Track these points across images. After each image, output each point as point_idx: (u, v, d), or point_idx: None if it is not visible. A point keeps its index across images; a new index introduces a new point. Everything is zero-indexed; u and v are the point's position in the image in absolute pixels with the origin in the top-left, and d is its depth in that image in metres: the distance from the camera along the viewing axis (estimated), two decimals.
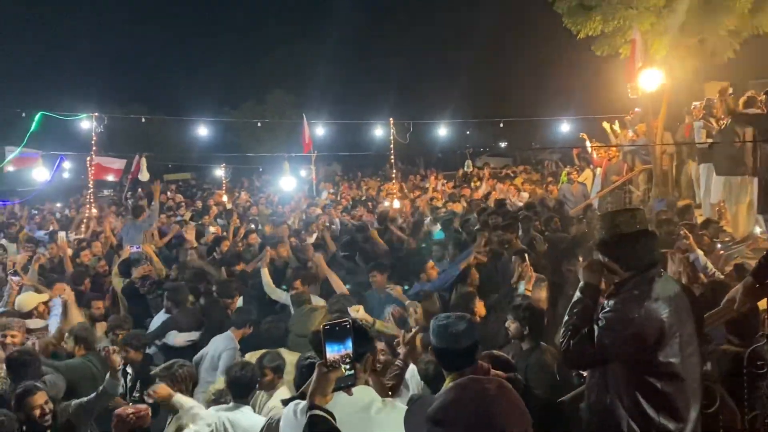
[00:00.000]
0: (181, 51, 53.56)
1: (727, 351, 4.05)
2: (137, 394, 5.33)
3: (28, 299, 6.63)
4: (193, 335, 6.53)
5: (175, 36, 54.65)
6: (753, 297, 3.63)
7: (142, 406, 4.20)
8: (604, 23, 11.41)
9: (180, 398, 4.28)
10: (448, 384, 2.77)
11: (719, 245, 6.92)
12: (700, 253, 6.27)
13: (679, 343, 2.93)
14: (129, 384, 5.56)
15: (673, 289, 3.06)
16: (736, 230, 9.25)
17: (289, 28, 48.93)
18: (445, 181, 20.19)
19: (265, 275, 7.42)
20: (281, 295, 7.24)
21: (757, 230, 8.68)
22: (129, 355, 5.57)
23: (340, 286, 6.86)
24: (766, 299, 3.83)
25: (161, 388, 4.29)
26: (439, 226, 10.45)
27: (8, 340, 5.47)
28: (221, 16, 56.19)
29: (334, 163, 32.42)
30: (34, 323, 6.31)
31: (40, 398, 4.22)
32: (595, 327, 3.00)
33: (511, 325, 4.80)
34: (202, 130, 21.07)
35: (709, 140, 10.12)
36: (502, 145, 36.11)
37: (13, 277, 7.24)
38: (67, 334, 5.66)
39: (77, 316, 6.24)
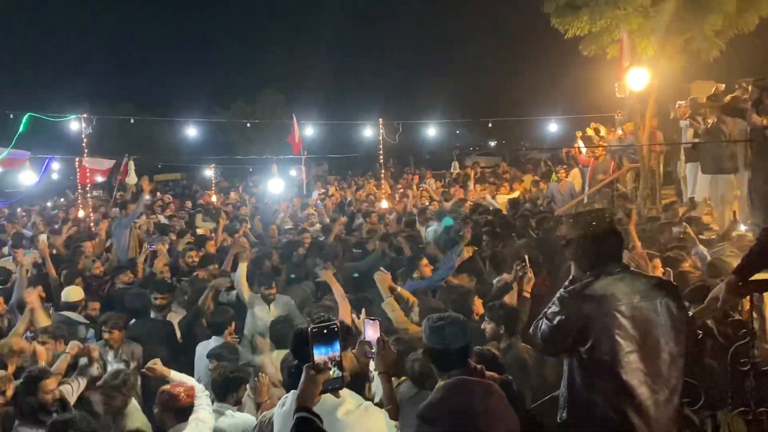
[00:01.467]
0: (171, 50, 53.49)
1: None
2: None
3: (72, 293, 6.77)
4: None
5: (164, 35, 54.61)
6: (736, 295, 3.65)
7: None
8: (592, 23, 11.39)
9: (176, 374, 4.48)
10: (439, 384, 2.80)
11: (699, 249, 6.91)
12: (701, 247, 6.34)
13: (620, 343, 2.95)
14: None
15: (632, 288, 3.04)
16: (721, 228, 9.33)
17: (280, 28, 49.17)
18: (434, 180, 20.16)
19: (242, 272, 6.71)
20: (248, 296, 6.58)
21: (742, 228, 8.76)
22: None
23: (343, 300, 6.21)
24: (748, 297, 3.86)
25: (158, 365, 4.53)
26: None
27: None
28: (211, 15, 56.05)
29: (324, 163, 32.41)
30: (75, 316, 6.46)
31: (52, 383, 4.17)
32: None
33: (487, 326, 4.78)
34: (192, 130, 21.05)
35: (696, 140, 10.21)
36: (492, 143, 36.20)
37: None
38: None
39: (44, 321, 5.99)
